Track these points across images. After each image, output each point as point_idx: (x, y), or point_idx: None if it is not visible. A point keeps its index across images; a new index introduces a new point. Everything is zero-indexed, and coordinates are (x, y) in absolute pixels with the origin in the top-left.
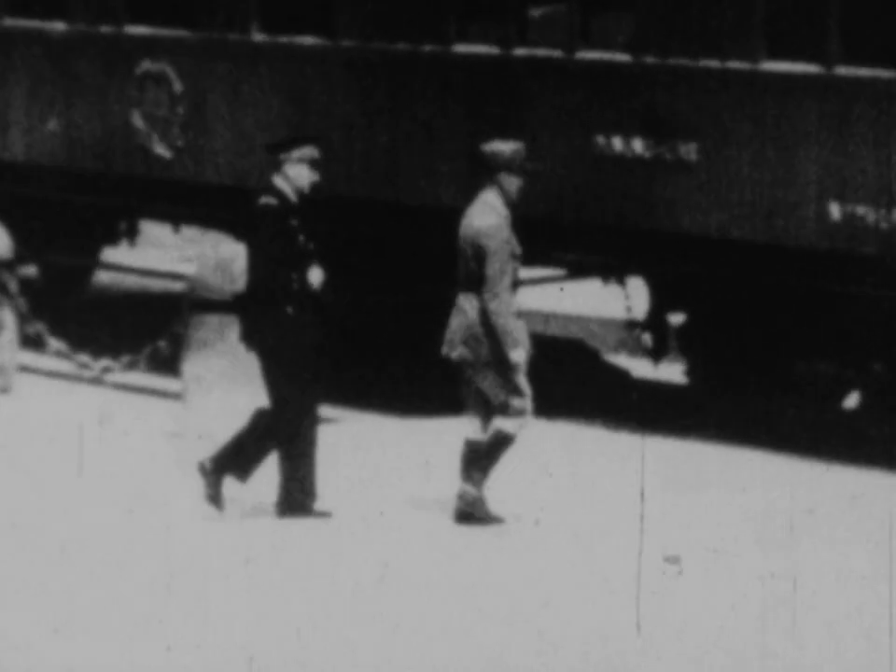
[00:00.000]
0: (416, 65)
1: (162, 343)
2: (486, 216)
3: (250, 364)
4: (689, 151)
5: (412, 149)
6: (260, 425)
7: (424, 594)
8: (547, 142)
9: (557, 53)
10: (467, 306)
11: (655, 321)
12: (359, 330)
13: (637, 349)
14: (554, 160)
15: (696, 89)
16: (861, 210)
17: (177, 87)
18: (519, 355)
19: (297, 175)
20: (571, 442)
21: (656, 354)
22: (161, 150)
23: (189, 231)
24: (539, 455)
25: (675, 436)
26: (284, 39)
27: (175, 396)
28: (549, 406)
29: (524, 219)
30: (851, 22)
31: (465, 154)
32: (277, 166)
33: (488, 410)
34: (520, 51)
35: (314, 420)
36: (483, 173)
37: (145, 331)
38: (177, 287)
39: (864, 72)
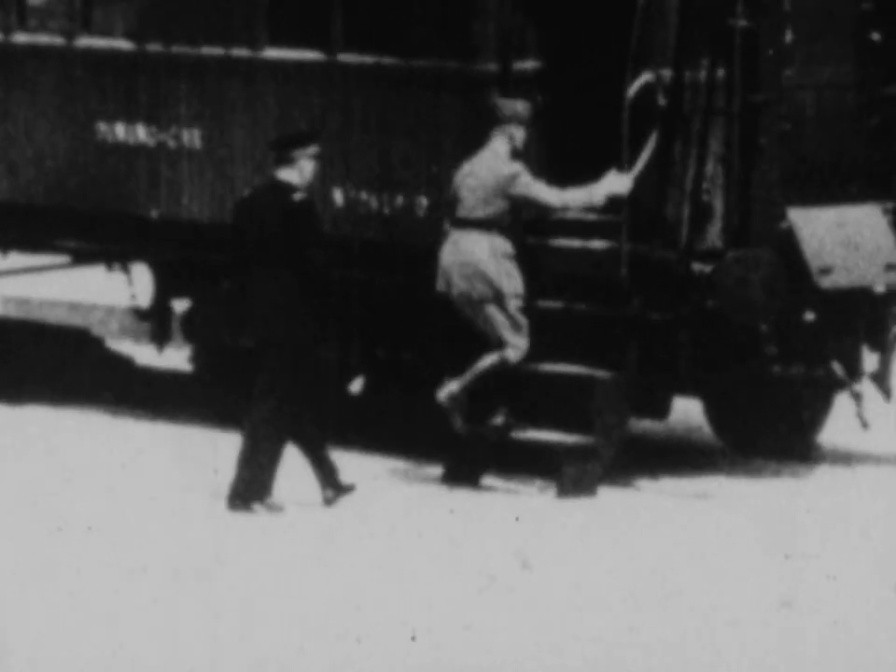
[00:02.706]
0: None
1: None
2: (506, 162)
3: None
4: (192, 138)
5: None
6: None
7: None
8: (49, 128)
9: (58, 40)
10: (467, 243)
11: (159, 307)
12: None
13: (141, 336)
14: (57, 146)
15: (200, 76)
16: (364, 196)
17: None
18: (623, 183)
19: (307, 169)
20: (77, 431)
21: (160, 340)
22: None
23: None
24: (40, 441)
25: (181, 422)
26: None
27: None
28: (55, 394)
29: (26, 207)
30: (354, 11)
31: None
32: (288, 161)
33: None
34: (20, 38)
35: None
36: (495, 123)
37: None
38: None
39: (368, 59)
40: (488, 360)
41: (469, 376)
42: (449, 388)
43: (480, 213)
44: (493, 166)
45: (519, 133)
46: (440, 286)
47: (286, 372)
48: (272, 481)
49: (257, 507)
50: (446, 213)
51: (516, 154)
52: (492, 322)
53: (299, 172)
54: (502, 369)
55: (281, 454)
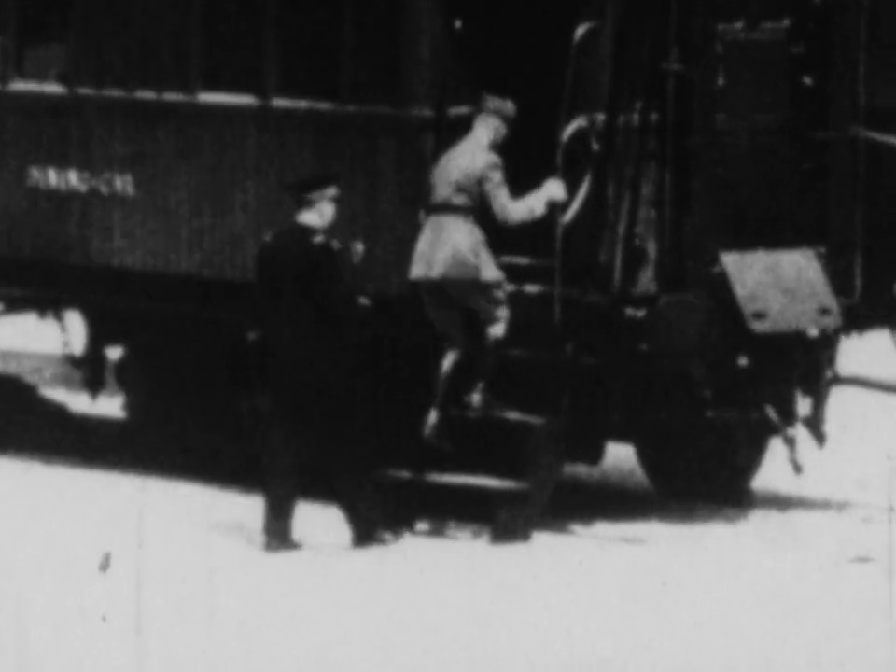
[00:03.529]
0: None
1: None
2: (486, 152)
3: None
4: (125, 185)
5: None
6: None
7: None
8: None
9: None
10: (447, 229)
11: (93, 355)
12: None
13: (74, 384)
14: None
15: (132, 121)
16: None
17: None
18: (557, 188)
19: (328, 212)
20: (9, 478)
21: (93, 387)
22: None
23: None
24: None
25: (116, 469)
26: None
27: None
28: None
29: None
30: (288, 56)
31: None
32: (307, 204)
33: (466, 326)
34: None
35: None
36: (481, 115)
37: None
38: None
39: (302, 104)
40: (484, 350)
41: (479, 371)
42: (475, 398)
43: (457, 200)
44: (472, 154)
45: (502, 129)
46: (416, 272)
47: (336, 414)
48: (376, 513)
49: (386, 536)
50: (422, 203)
51: (495, 146)
52: (474, 307)
53: (319, 214)
54: (496, 346)
55: (369, 485)
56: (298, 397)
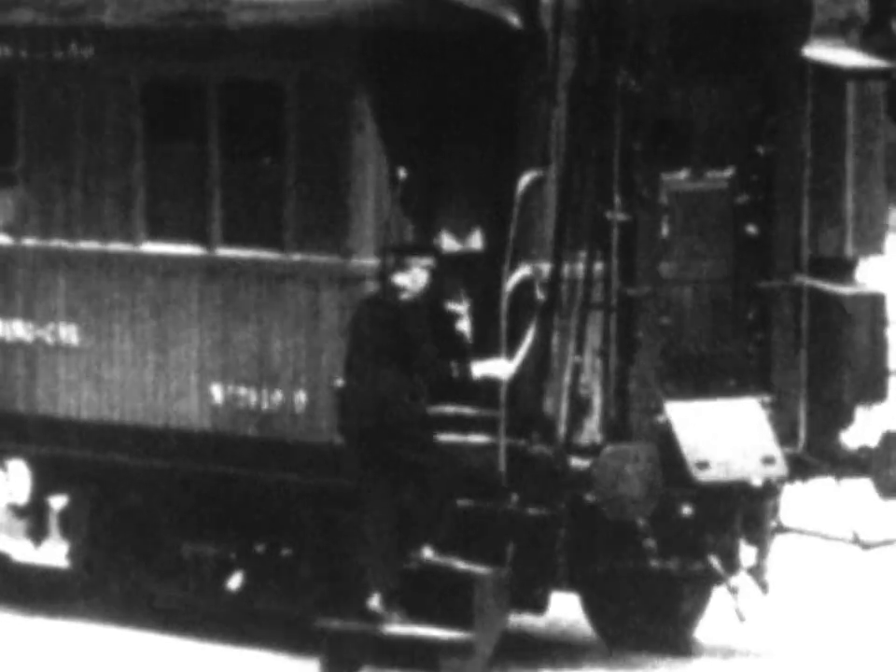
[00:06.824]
0: None
1: None
2: None
3: None
4: (69, 334)
5: None
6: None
7: None
8: None
9: None
10: None
11: (36, 503)
12: None
13: (17, 532)
14: None
15: (76, 271)
16: (242, 391)
17: None
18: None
19: (420, 278)
20: None
21: (37, 536)
22: None
23: None
24: None
25: (60, 618)
26: None
27: None
28: None
29: None
30: (232, 206)
31: None
32: (403, 267)
33: None
34: None
35: None
36: None
37: None
38: None
39: (247, 253)
40: None
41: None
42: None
43: None
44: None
45: None
46: None
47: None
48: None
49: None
50: None
51: None
52: None
53: (412, 278)
54: None
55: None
56: (369, 433)
